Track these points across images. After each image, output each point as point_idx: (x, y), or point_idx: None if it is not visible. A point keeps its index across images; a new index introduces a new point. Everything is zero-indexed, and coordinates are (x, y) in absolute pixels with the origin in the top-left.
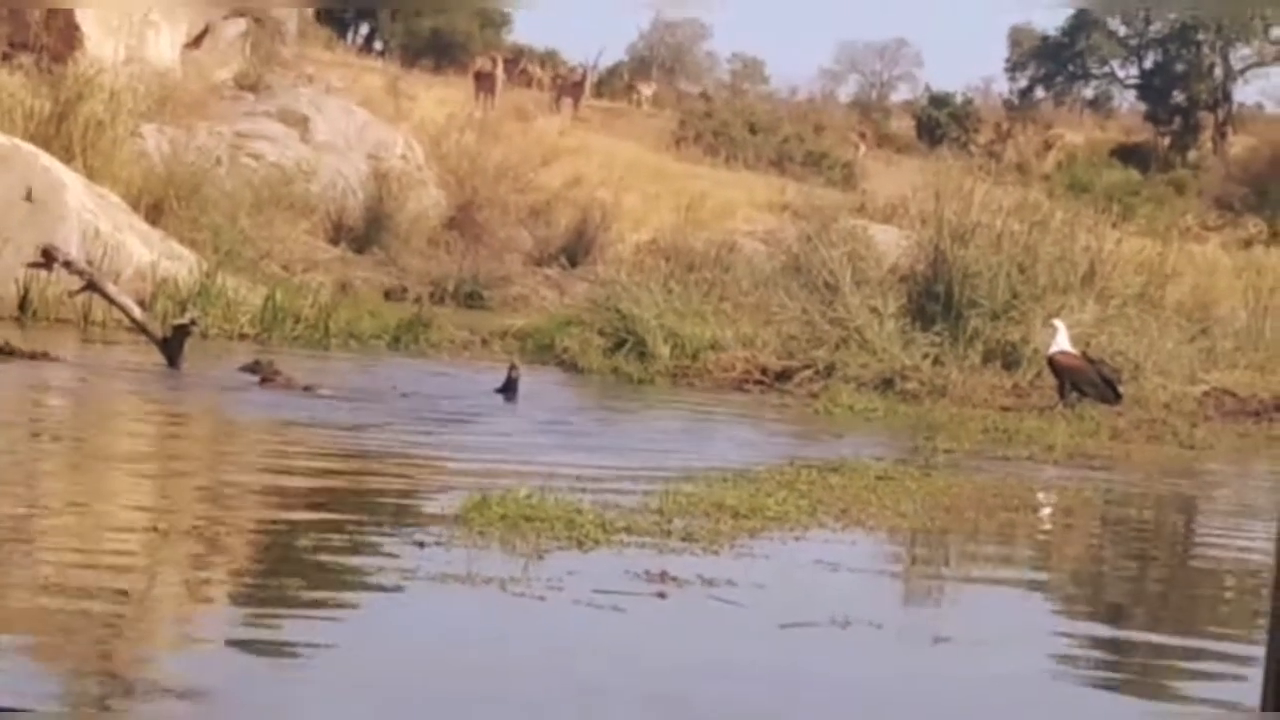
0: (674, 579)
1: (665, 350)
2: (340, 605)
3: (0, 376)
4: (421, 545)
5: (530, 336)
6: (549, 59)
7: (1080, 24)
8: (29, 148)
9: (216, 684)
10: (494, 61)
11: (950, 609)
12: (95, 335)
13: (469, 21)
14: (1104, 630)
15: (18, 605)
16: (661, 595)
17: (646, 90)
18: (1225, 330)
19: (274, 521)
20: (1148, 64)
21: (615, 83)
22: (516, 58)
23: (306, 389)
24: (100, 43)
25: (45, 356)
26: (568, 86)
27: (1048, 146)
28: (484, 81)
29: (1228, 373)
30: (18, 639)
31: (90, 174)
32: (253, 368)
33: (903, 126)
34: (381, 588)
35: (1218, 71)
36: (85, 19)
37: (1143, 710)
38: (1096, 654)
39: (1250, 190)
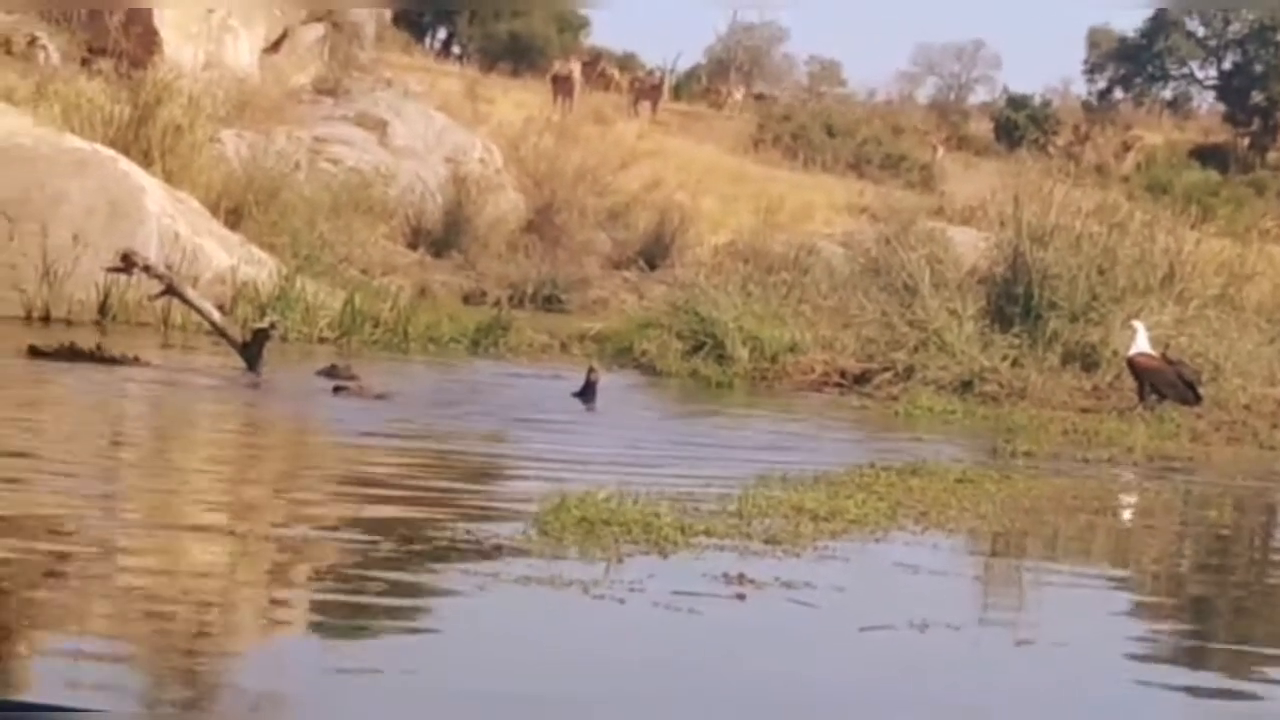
0: (752, 582)
1: (744, 353)
2: (420, 609)
3: (94, 379)
4: (500, 549)
5: (609, 339)
6: (627, 62)
7: (1159, 25)
8: (108, 152)
9: (296, 689)
10: (572, 65)
11: (1031, 612)
12: (175, 339)
13: (547, 25)
14: (1185, 633)
15: (100, 608)
16: (740, 598)
17: (737, 93)
18: None
19: (352, 526)
20: (1226, 65)
21: (693, 85)
22: (594, 61)
23: (379, 397)
24: (179, 48)
25: (136, 361)
26: (646, 89)
27: (1126, 148)
28: (562, 85)
29: None
30: (99, 642)
31: (169, 178)
32: (330, 371)
33: (981, 128)
34: (461, 591)
35: None
36: (164, 24)
37: (1224, 713)
38: (1178, 657)
39: None
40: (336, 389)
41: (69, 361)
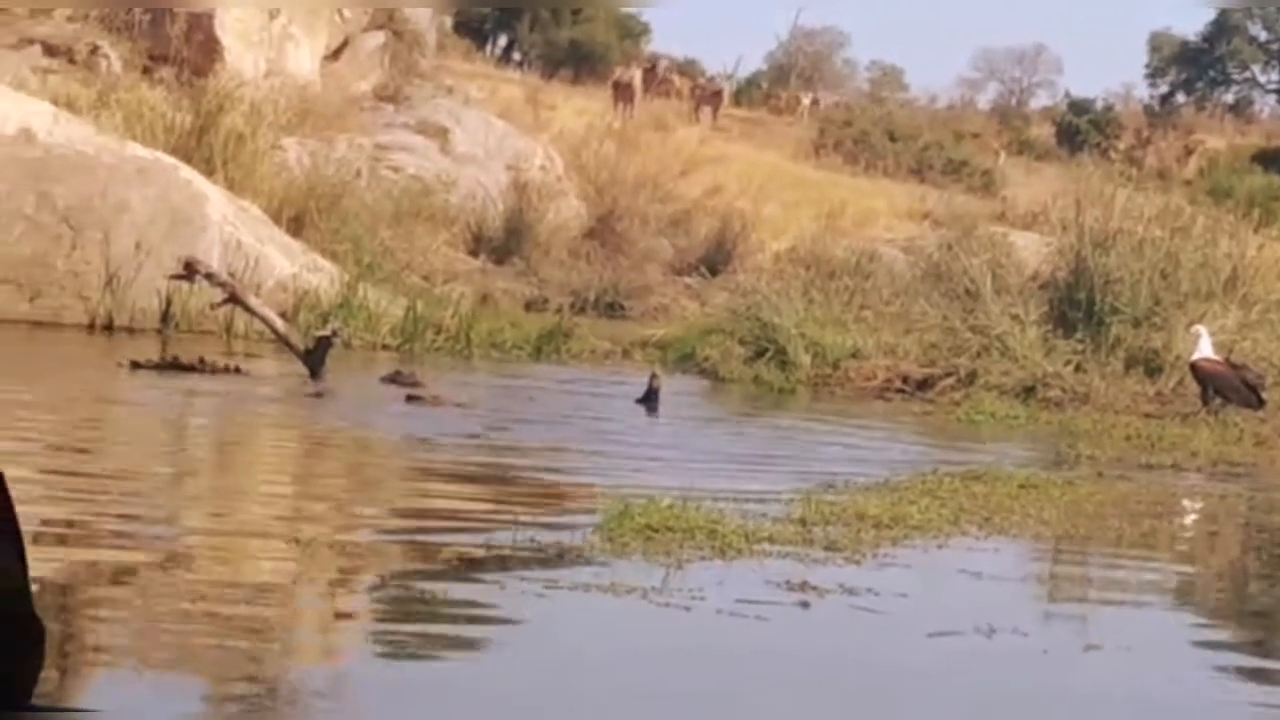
0: (815, 588)
1: (806, 359)
2: (483, 617)
3: (204, 388)
4: (563, 556)
5: (671, 346)
6: (688, 68)
7: (1220, 29)
8: (170, 160)
9: (359, 696)
10: (633, 71)
11: (1096, 617)
12: (237, 347)
13: (608, 31)
14: (1250, 638)
15: (170, 611)
16: (804, 605)
17: (806, 99)
18: None
19: (415, 533)
20: None
21: (753, 91)
22: (655, 67)
23: (456, 405)
24: (240, 56)
25: (236, 371)
26: (707, 96)
27: (1188, 152)
28: (623, 91)
29: None
30: (163, 647)
31: (231, 186)
32: (394, 377)
33: (1043, 133)
34: (524, 599)
35: None
36: (225, 32)
37: None
38: (1243, 662)
39: None
40: (410, 398)
41: (172, 372)
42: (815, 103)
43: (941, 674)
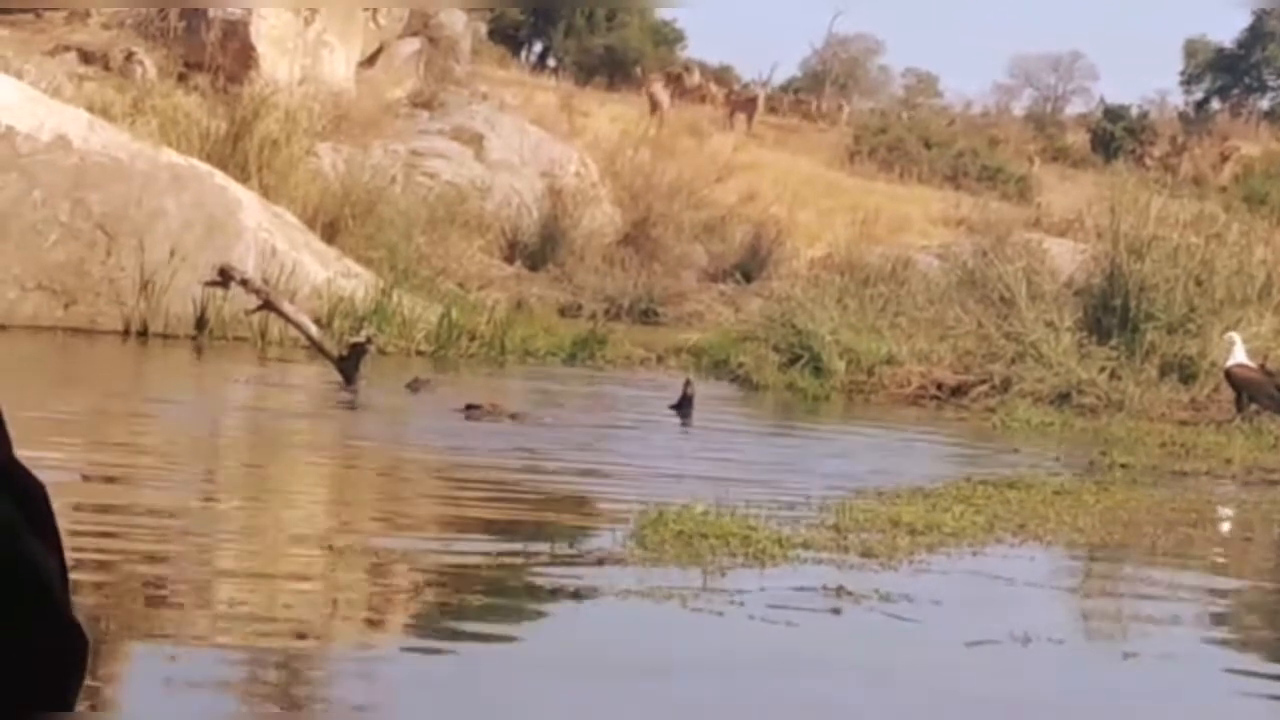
0: (851, 594)
1: (840, 365)
2: (521, 621)
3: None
4: (600, 562)
5: (705, 352)
6: (723, 75)
7: (1256, 36)
8: (205, 167)
9: (395, 702)
10: (654, 82)
11: (1132, 624)
12: (272, 354)
13: (642, 38)
14: None
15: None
16: (836, 611)
17: (846, 107)
18: None
19: (452, 539)
20: None
21: (787, 99)
22: (679, 76)
23: (513, 417)
24: (275, 63)
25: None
26: (741, 102)
27: (1224, 159)
28: (652, 101)
29: None
30: (202, 652)
31: (266, 193)
32: (414, 385)
33: (1078, 140)
34: (562, 604)
35: None
36: (260, 39)
37: None
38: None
39: None
40: (469, 408)
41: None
42: (839, 108)
43: (979, 680)
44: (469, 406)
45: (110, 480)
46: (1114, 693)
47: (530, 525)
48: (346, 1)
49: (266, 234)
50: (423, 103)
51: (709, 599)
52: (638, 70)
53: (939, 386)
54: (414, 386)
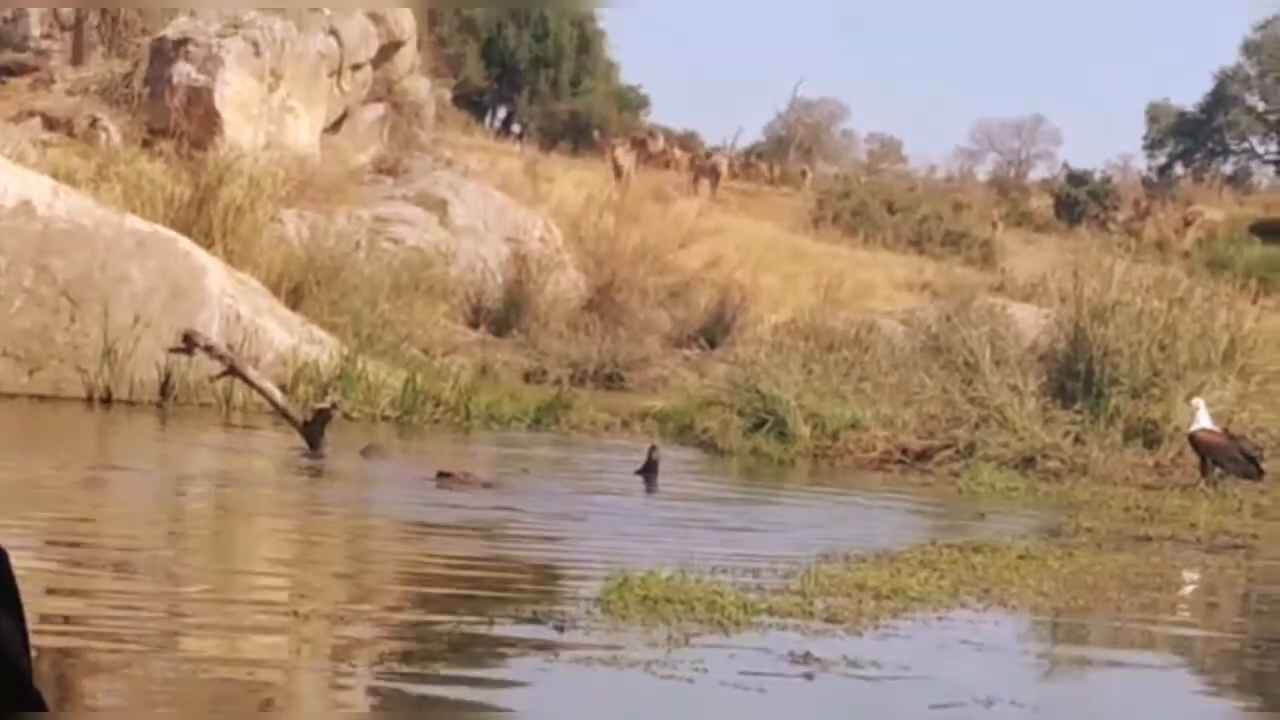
0: (818, 660)
1: (805, 430)
2: (483, 688)
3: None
4: (561, 629)
5: (670, 418)
6: (688, 140)
7: (1218, 100)
8: (169, 233)
9: None
10: (630, 143)
11: (1097, 689)
12: (236, 420)
13: (606, 104)
14: (1251, 705)
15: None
16: (808, 677)
17: (810, 172)
18: None
19: (414, 606)
20: None
21: (751, 163)
22: (654, 139)
23: (486, 486)
24: (239, 128)
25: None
26: (705, 168)
27: (1187, 223)
28: (619, 163)
29: None
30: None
31: (230, 259)
32: (368, 451)
33: (1041, 204)
34: (525, 671)
35: None
36: (225, 105)
37: None
38: None
39: None
40: (441, 475)
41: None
42: (802, 173)
43: None
44: (441, 474)
45: (73, 546)
46: None
47: (494, 591)
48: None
49: (231, 300)
50: (387, 169)
51: (677, 665)
52: (595, 134)
53: (904, 451)
54: (367, 453)
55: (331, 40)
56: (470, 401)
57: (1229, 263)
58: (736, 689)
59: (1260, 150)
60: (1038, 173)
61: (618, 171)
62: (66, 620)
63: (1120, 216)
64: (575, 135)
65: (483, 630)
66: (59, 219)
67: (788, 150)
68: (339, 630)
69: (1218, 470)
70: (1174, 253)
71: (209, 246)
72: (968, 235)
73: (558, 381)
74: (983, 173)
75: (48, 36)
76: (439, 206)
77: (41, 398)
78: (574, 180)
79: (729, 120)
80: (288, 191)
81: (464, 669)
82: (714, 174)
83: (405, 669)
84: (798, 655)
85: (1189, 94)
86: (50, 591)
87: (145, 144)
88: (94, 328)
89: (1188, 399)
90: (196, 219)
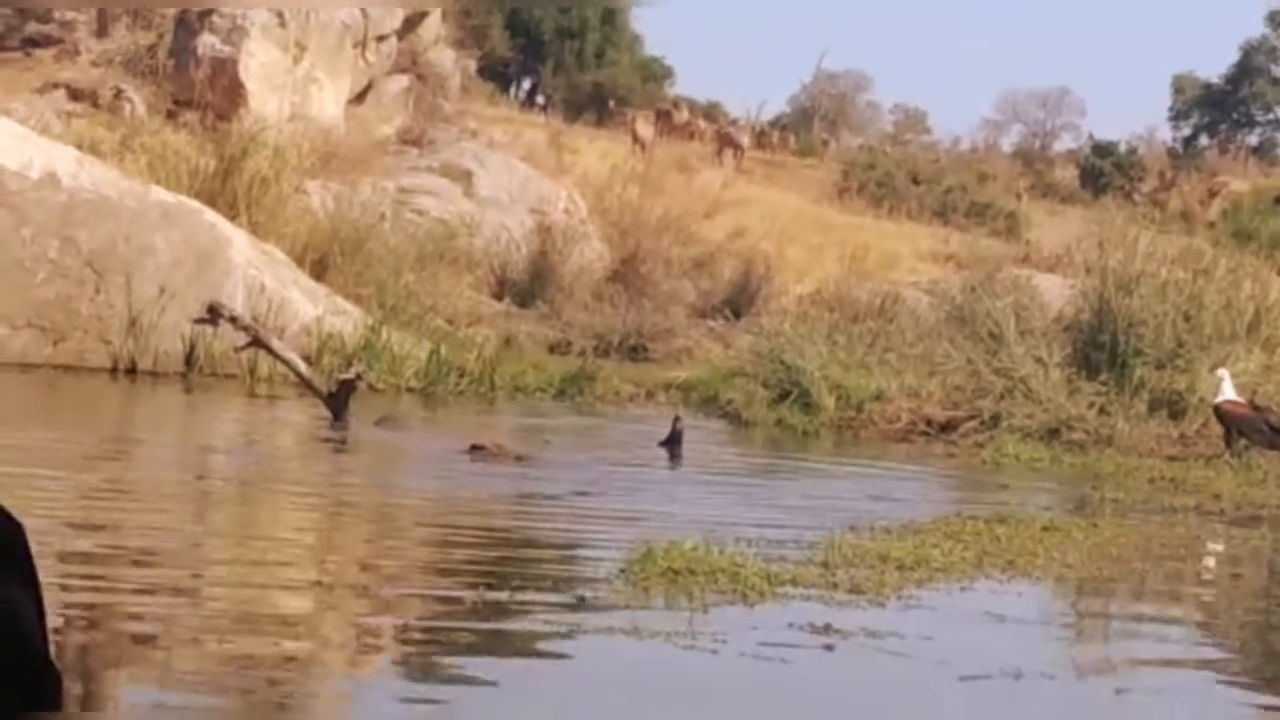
0: (839, 631)
1: (830, 401)
2: (508, 658)
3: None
4: (583, 601)
5: (694, 389)
6: (712, 111)
7: (1243, 71)
8: (194, 204)
9: None
10: (654, 114)
11: (1121, 661)
12: (261, 390)
13: (631, 75)
14: (1276, 681)
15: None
16: (829, 648)
17: (832, 143)
18: None
19: (438, 576)
20: None
21: (785, 134)
22: (678, 110)
23: (519, 459)
24: (264, 100)
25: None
26: (729, 139)
27: (1212, 194)
28: (639, 133)
29: None
30: (192, 694)
31: (255, 230)
32: (383, 421)
33: (1066, 175)
34: (549, 642)
35: None
36: (249, 76)
37: None
38: (1271, 701)
39: None
40: (474, 449)
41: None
42: (824, 143)
43: (971, 716)
44: (474, 447)
45: (95, 519)
46: None
47: (518, 563)
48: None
49: (255, 271)
50: (412, 140)
51: (698, 636)
52: (611, 104)
53: (928, 422)
54: (383, 423)
55: (356, 11)
56: (495, 373)
57: (1254, 234)
58: (757, 660)
59: None
60: (1063, 144)
61: (636, 141)
62: (89, 597)
63: (1145, 188)
64: (600, 106)
65: (505, 601)
66: (84, 190)
67: (812, 121)
68: (362, 604)
69: (1242, 441)
70: (1199, 224)
71: (234, 218)
72: (993, 206)
73: (582, 353)
74: (1008, 144)
75: (73, 8)
76: (464, 178)
77: (66, 369)
78: (598, 151)
79: (753, 92)
80: (312, 163)
81: (486, 640)
82: (738, 145)
83: (427, 640)
84: (819, 627)
85: (1214, 65)
86: (71, 567)
87: (170, 115)
88: (118, 299)
89: (1212, 370)
90: (221, 190)
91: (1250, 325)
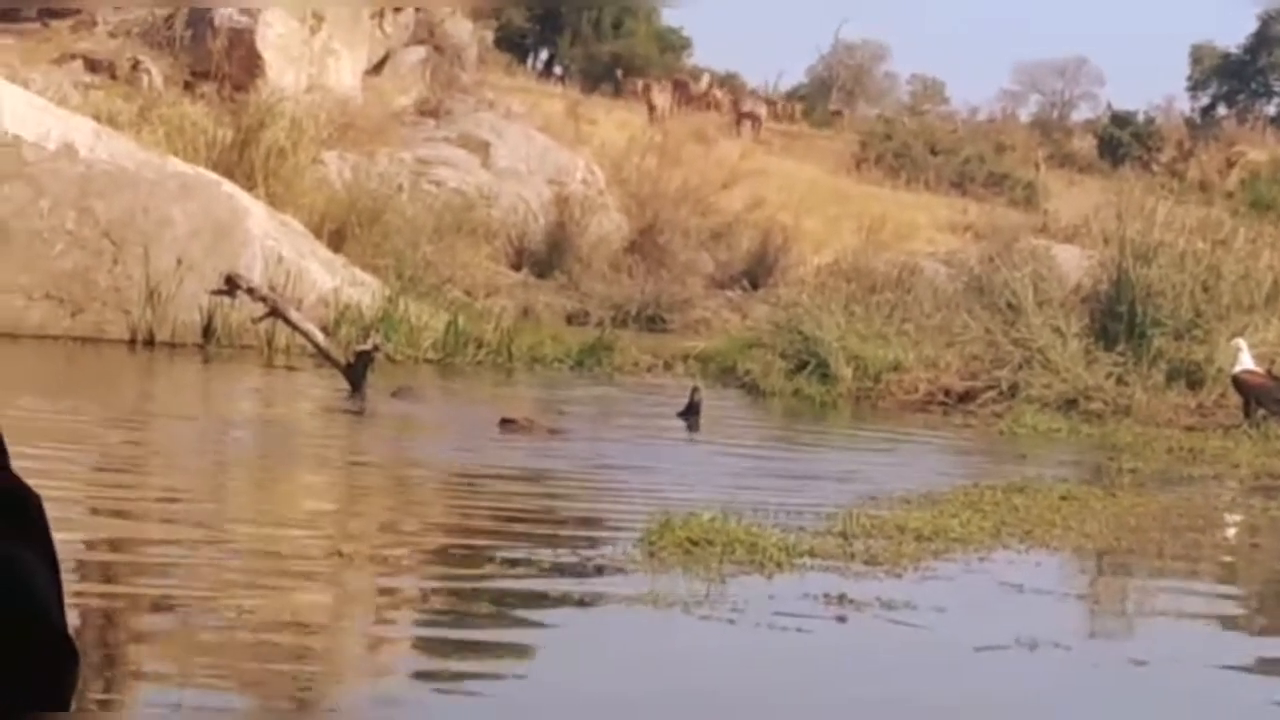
0: (854, 602)
1: (848, 372)
2: (527, 628)
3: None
4: (601, 571)
5: (712, 359)
6: (729, 81)
7: (1262, 41)
8: (212, 175)
9: (402, 709)
10: (653, 88)
11: (1138, 630)
12: (279, 362)
13: (648, 45)
14: None
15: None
16: (841, 619)
17: (846, 113)
18: None
19: (459, 547)
20: None
21: (801, 105)
22: (696, 80)
23: (552, 433)
24: (281, 71)
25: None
26: (747, 109)
27: (1230, 164)
28: (654, 103)
29: None
30: (215, 661)
31: (272, 201)
32: (399, 393)
33: (1084, 146)
34: (567, 611)
35: None
36: (266, 47)
37: None
38: None
39: None
40: (504, 422)
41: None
42: (837, 114)
43: (986, 685)
44: (504, 421)
45: (114, 490)
46: (1123, 698)
47: (536, 533)
48: (351, 9)
49: (273, 242)
50: (429, 110)
51: (713, 607)
52: (618, 74)
53: (946, 393)
54: (399, 394)
55: None
56: (512, 343)
57: (1272, 203)
58: (773, 630)
59: None
60: (1080, 114)
61: (652, 111)
62: (107, 567)
63: (1163, 157)
64: (617, 77)
65: (523, 571)
66: (101, 161)
67: (830, 92)
68: (381, 573)
69: (1261, 411)
70: (1217, 194)
71: (251, 189)
72: (1010, 176)
73: (600, 323)
74: (1025, 114)
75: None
76: (481, 148)
77: (84, 340)
78: (616, 122)
79: (771, 62)
80: (329, 134)
81: (504, 610)
82: (754, 116)
83: (446, 609)
84: (834, 597)
85: (1233, 35)
86: (90, 537)
87: (187, 86)
88: (136, 270)
89: (1230, 340)
90: (238, 161)
91: (1269, 295)
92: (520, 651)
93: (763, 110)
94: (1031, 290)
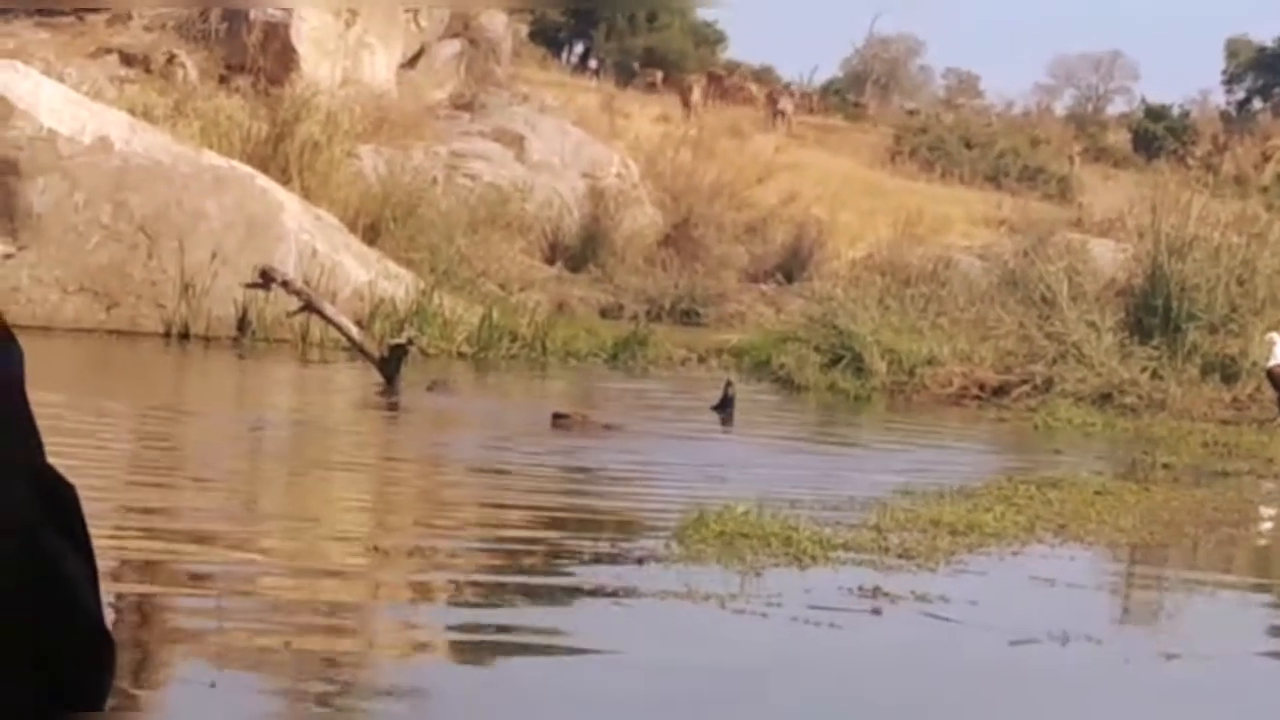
0: (888, 595)
1: (882, 366)
2: (562, 620)
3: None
4: (640, 562)
5: (746, 353)
6: (764, 75)
7: None
8: (246, 169)
9: (438, 698)
10: (707, 78)
11: (1172, 625)
12: (313, 355)
13: (683, 39)
14: None
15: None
16: (876, 612)
17: (877, 105)
18: None
19: (495, 540)
20: None
21: (830, 99)
22: (730, 74)
23: (607, 428)
24: (316, 65)
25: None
26: (779, 106)
27: (1266, 158)
28: (687, 96)
29: None
30: (251, 647)
31: (307, 195)
32: (434, 386)
33: (1119, 139)
34: (602, 603)
35: None
36: (301, 41)
37: None
38: None
39: None
40: (557, 417)
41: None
42: (857, 105)
43: (1018, 680)
44: (556, 416)
45: (149, 483)
46: (1156, 693)
47: (572, 525)
48: (386, 3)
49: (308, 236)
50: (464, 104)
51: (749, 600)
52: (638, 68)
53: (980, 387)
54: (434, 388)
55: None
56: (547, 337)
57: None
58: (807, 624)
59: None
60: (1115, 108)
61: (686, 105)
62: (142, 560)
63: (1198, 151)
64: (652, 70)
65: (560, 563)
66: (136, 155)
67: (864, 85)
68: (417, 564)
69: None
70: (1252, 188)
71: (286, 183)
72: (1045, 170)
73: (634, 317)
74: (1060, 108)
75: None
76: (515, 142)
77: (119, 333)
78: (650, 116)
79: (806, 56)
80: (364, 127)
81: (540, 601)
82: (787, 111)
83: (482, 601)
84: (868, 590)
85: (1269, 28)
86: (126, 529)
87: (222, 80)
88: (171, 264)
89: (1265, 334)
90: (273, 155)
91: None
92: (556, 644)
93: (792, 105)
94: (1066, 284)
